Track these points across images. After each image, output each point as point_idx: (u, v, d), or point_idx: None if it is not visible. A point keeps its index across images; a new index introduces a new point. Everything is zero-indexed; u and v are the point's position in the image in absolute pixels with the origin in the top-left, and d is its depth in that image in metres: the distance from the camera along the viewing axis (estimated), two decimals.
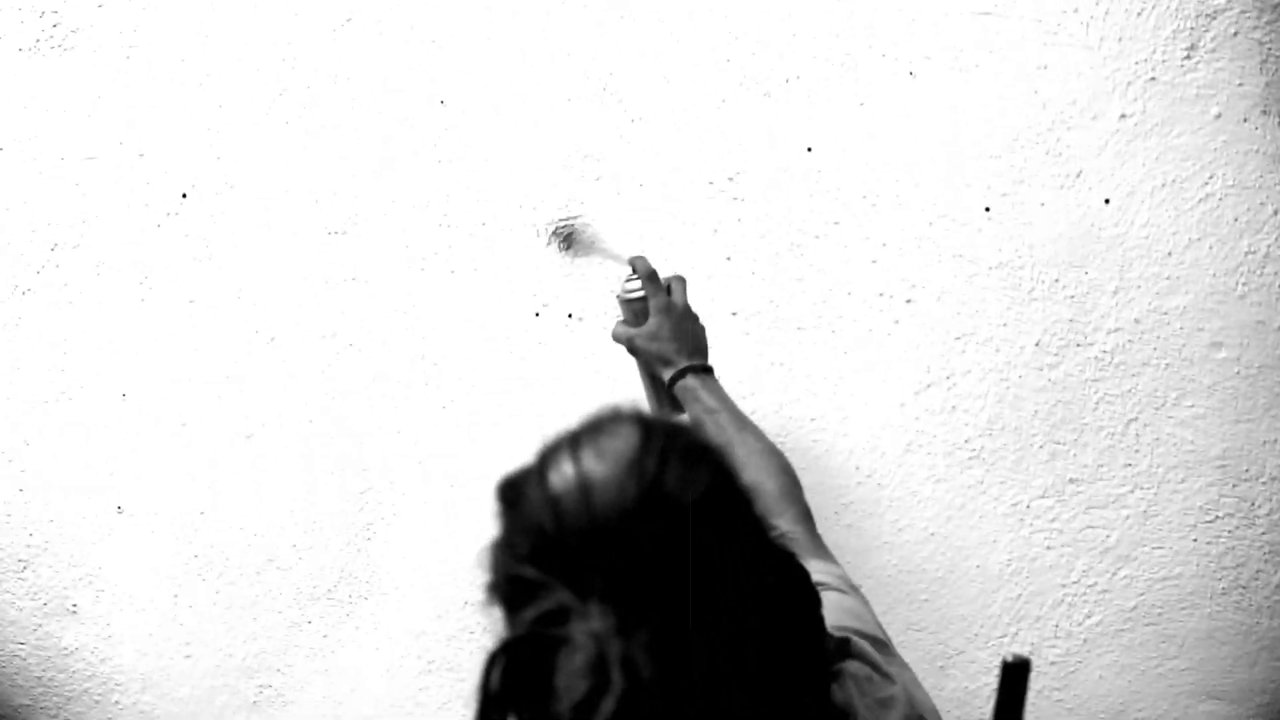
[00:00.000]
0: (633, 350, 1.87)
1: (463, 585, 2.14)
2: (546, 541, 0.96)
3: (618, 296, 1.87)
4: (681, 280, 1.88)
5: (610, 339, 1.89)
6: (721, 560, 0.98)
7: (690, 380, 1.81)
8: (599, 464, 0.97)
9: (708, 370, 1.83)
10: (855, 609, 1.54)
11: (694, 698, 0.95)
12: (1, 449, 2.19)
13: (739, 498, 1.04)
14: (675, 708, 0.94)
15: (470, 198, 2.07)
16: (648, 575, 0.94)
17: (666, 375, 1.83)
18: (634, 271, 1.85)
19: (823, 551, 1.65)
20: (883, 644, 1.48)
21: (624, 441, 0.99)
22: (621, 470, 0.97)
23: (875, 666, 1.43)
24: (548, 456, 1.01)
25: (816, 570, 1.57)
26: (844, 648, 1.48)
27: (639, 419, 1.03)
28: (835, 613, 1.55)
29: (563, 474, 0.98)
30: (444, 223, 2.08)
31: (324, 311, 2.11)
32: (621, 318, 1.88)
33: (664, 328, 1.83)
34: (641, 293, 1.84)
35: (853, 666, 1.45)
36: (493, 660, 0.94)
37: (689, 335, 1.84)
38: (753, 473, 1.73)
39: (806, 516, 1.70)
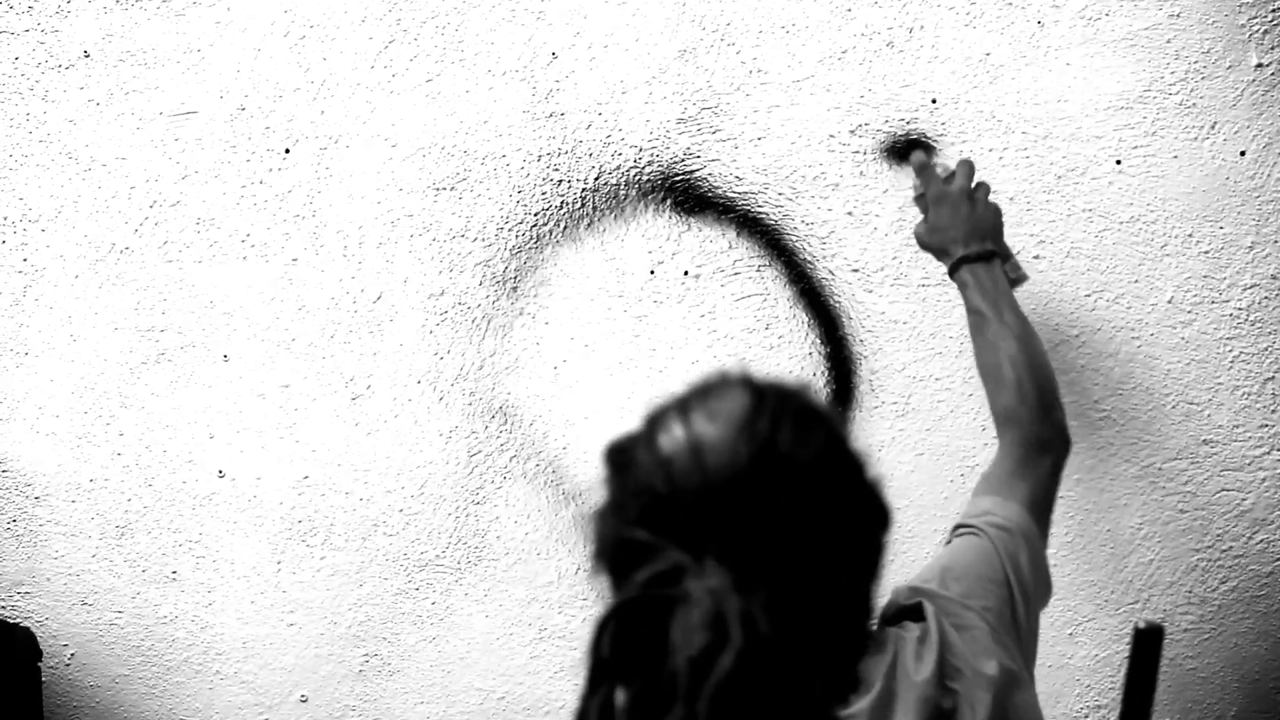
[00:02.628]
0: (925, 248, 2.17)
1: (575, 550, 2.45)
2: (658, 503, 1.09)
3: (913, 199, 2.21)
4: (965, 164, 2.16)
5: None
6: (834, 521, 1.12)
7: (962, 274, 2.09)
8: (710, 425, 1.11)
9: (985, 257, 2.09)
10: (964, 564, 1.82)
11: (808, 655, 1.09)
12: (99, 412, 2.52)
13: (852, 459, 1.17)
14: (791, 664, 1.07)
15: (583, 151, 2.37)
16: (763, 535, 1.07)
17: (947, 268, 2.13)
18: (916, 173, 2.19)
19: (1008, 487, 1.91)
20: (968, 609, 1.75)
21: (735, 403, 1.13)
22: (734, 431, 1.10)
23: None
24: (656, 420, 1.15)
25: (975, 511, 1.90)
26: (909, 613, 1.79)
27: (750, 382, 1.16)
28: (955, 561, 1.86)
29: (673, 436, 1.11)
30: (555, 178, 2.38)
31: (431, 269, 2.42)
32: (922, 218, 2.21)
33: (940, 218, 2.12)
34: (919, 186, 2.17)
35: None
36: (603, 625, 1.05)
37: (963, 222, 2.11)
38: (991, 386, 2.04)
39: (1023, 443, 1.96)
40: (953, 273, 2.12)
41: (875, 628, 1.82)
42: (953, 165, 2.20)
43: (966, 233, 2.10)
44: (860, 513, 1.15)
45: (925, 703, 1.70)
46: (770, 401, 1.13)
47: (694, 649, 1.02)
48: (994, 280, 2.08)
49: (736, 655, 1.01)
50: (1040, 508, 1.94)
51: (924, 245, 2.18)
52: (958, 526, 1.91)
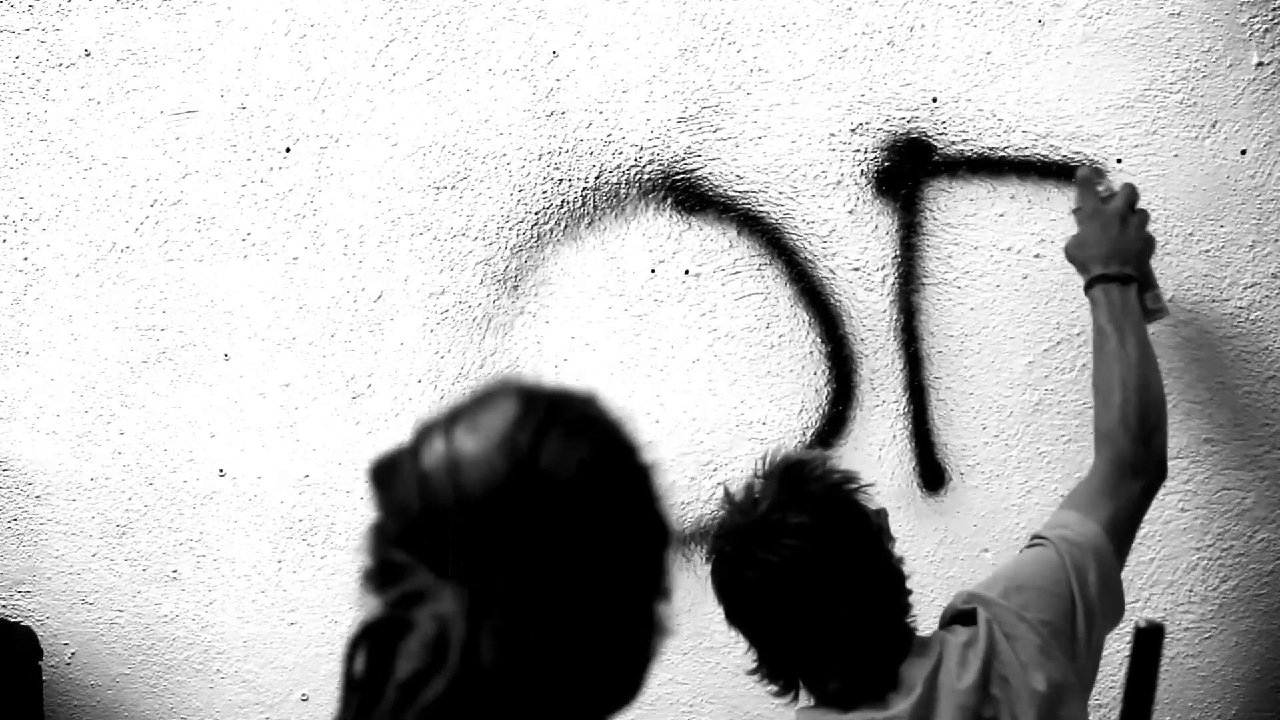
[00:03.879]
0: (1069, 259, 2.20)
1: None
2: (413, 523, 1.06)
3: (1072, 210, 2.24)
4: (1127, 187, 2.18)
5: None
6: (596, 540, 1.08)
7: (1095, 292, 2.13)
8: (472, 439, 1.07)
9: (1122, 280, 2.11)
10: (1027, 575, 1.88)
11: (555, 679, 1.06)
12: (99, 411, 2.54)
13: (627, 474, 1.12)
14: (525, 690, 1.05)
15: (584, 150, 2.39)
16: (511, 556, 1.04)
17: (1083, 281, 2.16)
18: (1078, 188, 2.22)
19: (1092, 505, 1.97)
20: (1026, 622, 1.81)
21: (501, 415, 1.08)
22: (493, 446, 1.06)
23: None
24: (423, 434, 1.11)
25: (1053, 523, 1.96)
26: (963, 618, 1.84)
27: (524, 391, 1.11)
28: (1019, 570, 1.92)
29: (434, 451, 1.08)
30: (556, 176, 2.40)
31: (432, 268, 2.44)
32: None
33: (1089, 234, 2.16)
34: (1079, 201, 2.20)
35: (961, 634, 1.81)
36: (353, 646, 1.06)
37: (1109, 242, 2.14)
38: (1099, 403, 2.07)
39: (1117, 464, 2.01)
40: (1088, 289, 2.15)
41: (932, 629, 1.87)
42: (1117, 186, 2.22)
43: (1109, 252, 2.13)
44: (631, 531, 1.11)
45: (965, 710, 1.74)
46: (537, 413, 1.08)
47: (405, 674, 1.02)
48: (1125, 303, 2.11)
49: (449, 682, 1.01)
50: (1121, 531, 1.98)
51: (1069, 257, 2.21)
52: (1034, 537, 1.97)
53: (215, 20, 2.42)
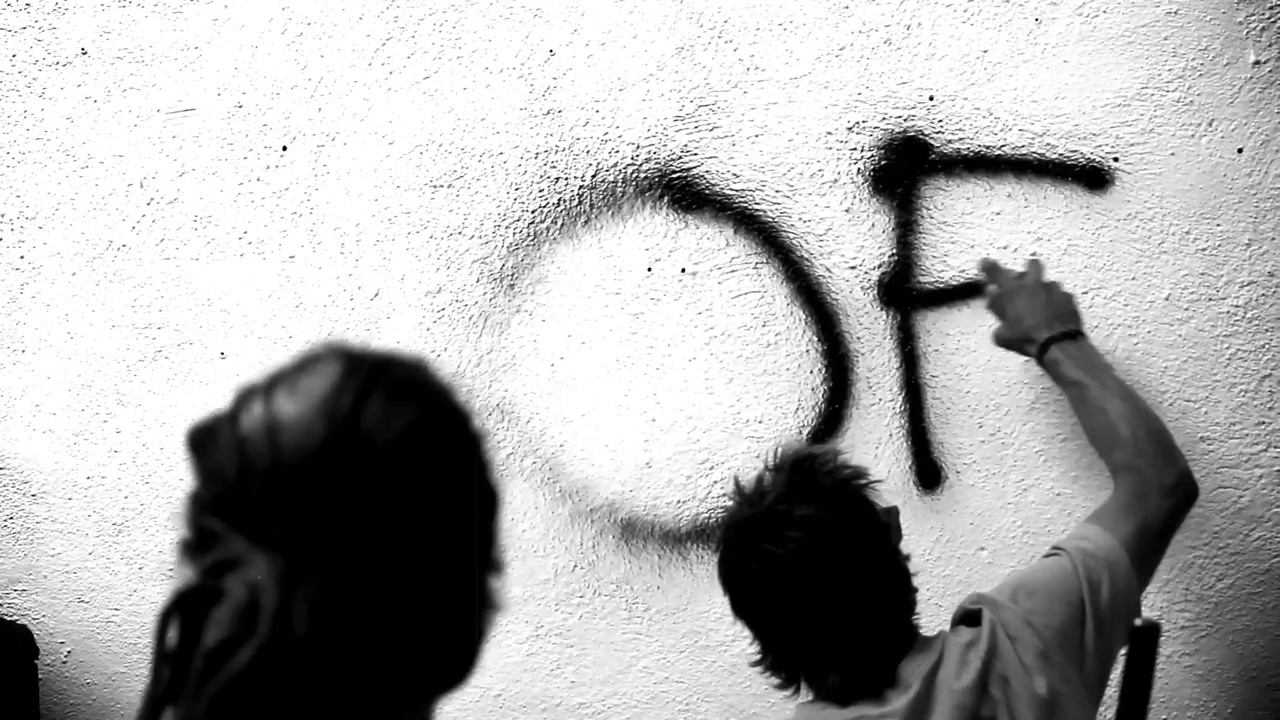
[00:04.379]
0: (1005, 345, 2.25)
1: (572, 548, 2.48)
2: (229, 488, 1.03)
3: (987, 307, 2.29)
4: (1035, 262, 2.25)
5: None
6: (418, 506, 1.05)
7: (1053, 353, 2.16)
8: (291, 403, 1.03)
9: (1071, 336, 2.17)
10: (1039, 582, 1.90)
11: (353, 658, 1.03)
12: (96, 410, 2.55)
13: (454, 439, 1.09)
14: (328, 665, 1.02)
15: (581, 149, 2.40)
16: (327, 522, 1.01)
17: (1033, 353, 2.20)
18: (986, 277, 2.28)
19: (1113, 521, 1.99)
20: (1031, 627, 1.83)
21: (323, 379, 1.05)
22: (313, 409, 1.03)
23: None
24: (242, 398, 1.07)
25: (1073, 535, 1.99)
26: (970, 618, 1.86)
27: (347, 354, 1.08)
28: (1031, 576, 1.94)
29: (253, 416, 1.04)
30: (552, 175, 2.41)
31: (428, 267, 2.45)
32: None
33: (1017, 308, 2.21)
34: (993, 288, 2.25)
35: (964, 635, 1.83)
36: (164, 617, 1.01)
37: (1042, 305, 2.20)
38: (1104, 447, 2.10)
39: (1140, 485, 2.03)
40: (1041, 356, 2.18)
41: (941, 629, 1.87)
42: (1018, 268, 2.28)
43: (1049, 317, 2.18)
44: (456, 499, 1.08)
45: (962, 710, 1.76)
46: (360, 376, 1.05)
47: (211, 643, 0.99)
48: (1084, 352, 2.16)
49: (256, 651, 0.98)
50: (1143, 548, 1.99)
51: (1004, 342, 2.25)
52: (1053, 548, 1.99)
53: (212, 19, 2.42)
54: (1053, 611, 1.85)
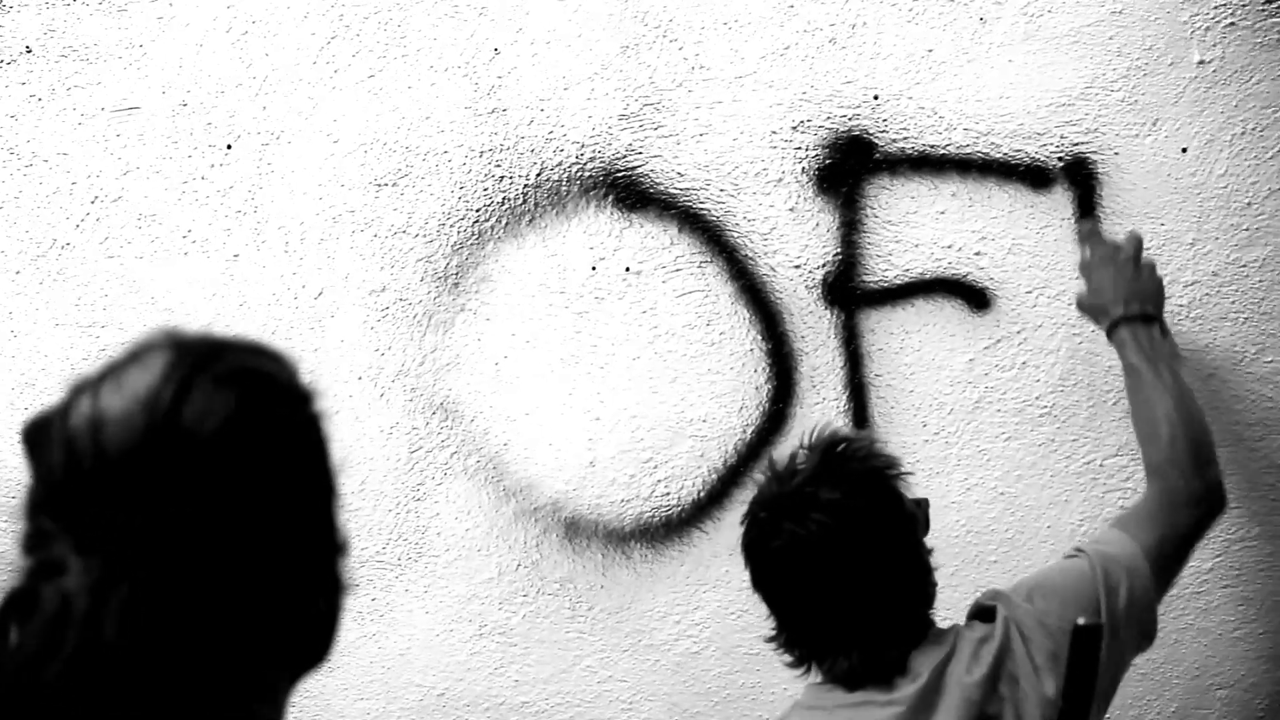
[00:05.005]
0: (1084, 311, 2.24)
1: (515, 547, 2.48)
2: (57, 487, 1.00)
3: (1079, 272, 2.27)
4: (1134, 235, 2.22)
5: None
6: (246, 502, 1.02)
7: (1122, 332, 2.15)
8: (117, 397, 1.00)
9: (1145, 320, 2.15)
10: (1055, 583, 1.90)
11: (174, 658, 1.00)
12: (39, 408, 2.54)
13: (288, 425, 1.07)
14: (144, 671, 0.99)
15: (525, 148, 2.41)
16: (144, 522, 0.98)
17: (1104, 327, 2.19)
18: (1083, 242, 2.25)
19: (1138, 528, 1.99)
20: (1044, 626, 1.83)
21: (148, 371, 1.01)
22: (135, 403, 0.99)
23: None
24: (74, 392, 1.04)
25: (1095, 538, 1.99)
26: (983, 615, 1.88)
27: (176, 343, 1.04)
28: (1049, 576, 1.94)
29: (80, 411, 1.01)
30: (497, 174, 2.42)
31: (372, 265, 2.45)
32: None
33: (1103, 280, 2.19)
34: (1088, 253, 2.23)
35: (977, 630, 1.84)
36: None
37: (1125, 282, 2.17)
38: (1143, 440, 2.09)
39: (1169, 494, 2.03)
40: (1110, 333, 2.18)
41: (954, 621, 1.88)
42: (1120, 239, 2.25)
43: (1128, 294, 2.16)
44: (288, 486, 1.05)
45: (970, 704, 1.77)
46: (185, 367, 1.01)
47: (20, 658, 0.97)
48: (1152, 340, 2.14)
49: (65, 664, 0.96)
50: (1165, 557, 1.99)
51: (1083, 308, 2.25)
52: (1074, 549, 1.99)
53: (157, 17, 2.42)
54: (1067, 614, 1.84)
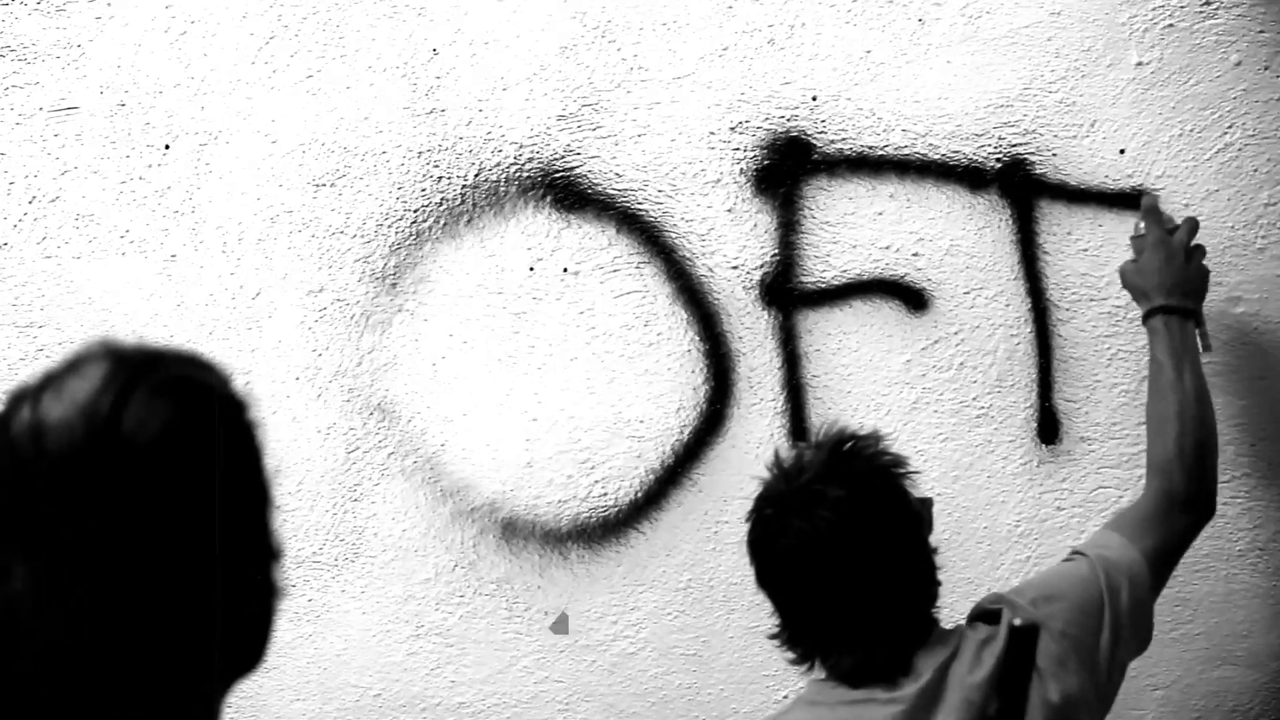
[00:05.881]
0: (1127, 287, 2.22)
1: (452, 547, 2.49)
2: (1, 494, 1.02)
3: (1130, 237, 2.24)
4: (1191, 222, 2.19)
5: None
6: (183, 509, 1.03)
7: (1155, 321, 2.14)
8: (57, 405, 1.02)
9: (1184, 313, 2.14)
10: (1059, 587, 1.91)
11: (114, 662, 1.02)
12: None
13: (225, 433, 1.08)
14: (88, 674, 1.01)
15: (464, 148, 2.42)
16: (86, 528, 1.00)
17: (1142, 310, 2.18)
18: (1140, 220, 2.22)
19: (1137, 532, 1.99)
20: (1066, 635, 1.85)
21: (87, 380, 1.03)
22: (75, 411, 1.01)
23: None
24: (15, 400, 1.06)
25: (1095, 542, 2.00)
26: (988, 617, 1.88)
27: (114, 353, 1.06)
28: (1051, 580, 1.95)
29: (21, 419, 1.03)
30: (435, 174, 2.42)
31: (310, 266, 2.46)
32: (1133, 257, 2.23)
33: (1151, 262, 2.15)
34: (1143, 228, 2.20)
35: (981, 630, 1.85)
36: None
37: (1172, 274, 2.15)
38: (1152, 434, 2.10)
39: (1167, 495, 2.04)
40: (1146, 318, 2.17)
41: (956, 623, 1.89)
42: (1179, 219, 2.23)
43: (1172, 283, 2.15)
44: (225, 493, 1.06)
45: (971, 705, 1.78)
46: (123, 376, 1.04)
47: None
48: (1184, 337, 2.13)
49: (11, 667, 0.98)
50: (1161, 562, 2.01)
51: (1126, 283, 2.23)
52: (1073, 551, 2.00)
53: (95, 17, 2.43)
54: (1071, 618, 1.86)
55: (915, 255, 2.37)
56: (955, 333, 2.39)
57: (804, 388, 2.42)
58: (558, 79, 2.39)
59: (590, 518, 2.46)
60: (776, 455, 1.89)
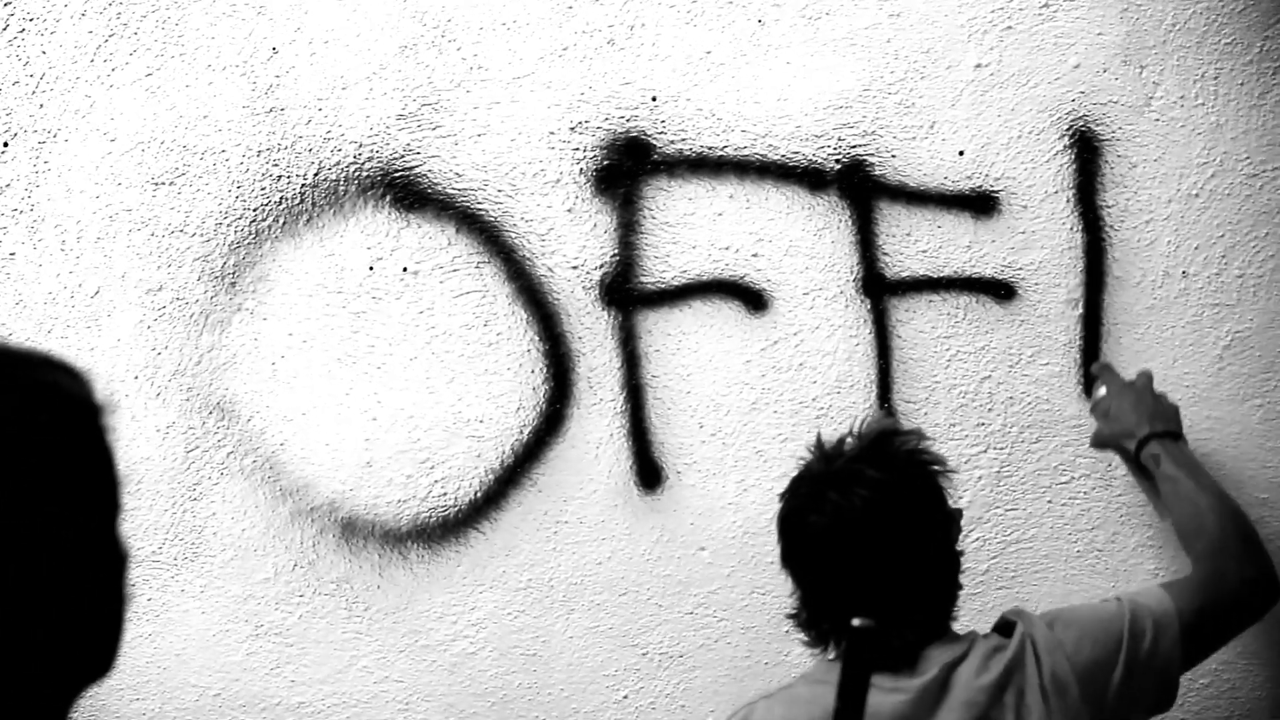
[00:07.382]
0: (1103, 443, 2.31)
1: (291, 547, 2.50)
2: None
3: (1090, 411, 2.34)
4: (1145, 372, 2.30)
5: None
6: (29, 516, 1.02)
7: (1153, 447, 2.22)
8: None
9: (1173, 436, 2.23)
10: (1081, 618, 1.96)
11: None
12: None
13: (61, 433, 1.06)
14: None
15: (303, 147, 2.42)
16: None
17: (1131, 447, 2.25)
18: (1097, 380, 2.33)
19: (1180, 592, 2.02)
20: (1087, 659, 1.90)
21: None
22: None
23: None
24: None
25: (1137, 589, 2.05)
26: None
27: None
28: (1079, 610, 2.00)
29: None
30: (274, 173, 2.43)
31: (149, 264, 2.46)
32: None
33: (1123, 406, 2.26)
34: (1103, 390, 2.30)
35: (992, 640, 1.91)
36: None
37: (1148, 406, 2.25)
38: (1189, 539, 2.13)
39: (1214, 573, 2.06)
40: (1139, 451, 2.23)
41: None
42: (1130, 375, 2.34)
43: (1152, 414, 2.25)
44: (66, 494, 1.05)
45: (974, 706, 1.83)
46: None
47: None
48: (1183, 452, 2.22)
49: None
50: (1200, 628, 2.01)
51: (1102, 441, 2.32)
52: (1115, 597, 2.04)
53: None
54: (1081, 649, 1.90)
55: (755, 256, 2.39)
56: (795, 333, 2.41)
57: (644, 388, 2.44)
58: (398, 78, 2.40)
59: (430, 517, 2.47)
60: (818, 437, 1.95)
